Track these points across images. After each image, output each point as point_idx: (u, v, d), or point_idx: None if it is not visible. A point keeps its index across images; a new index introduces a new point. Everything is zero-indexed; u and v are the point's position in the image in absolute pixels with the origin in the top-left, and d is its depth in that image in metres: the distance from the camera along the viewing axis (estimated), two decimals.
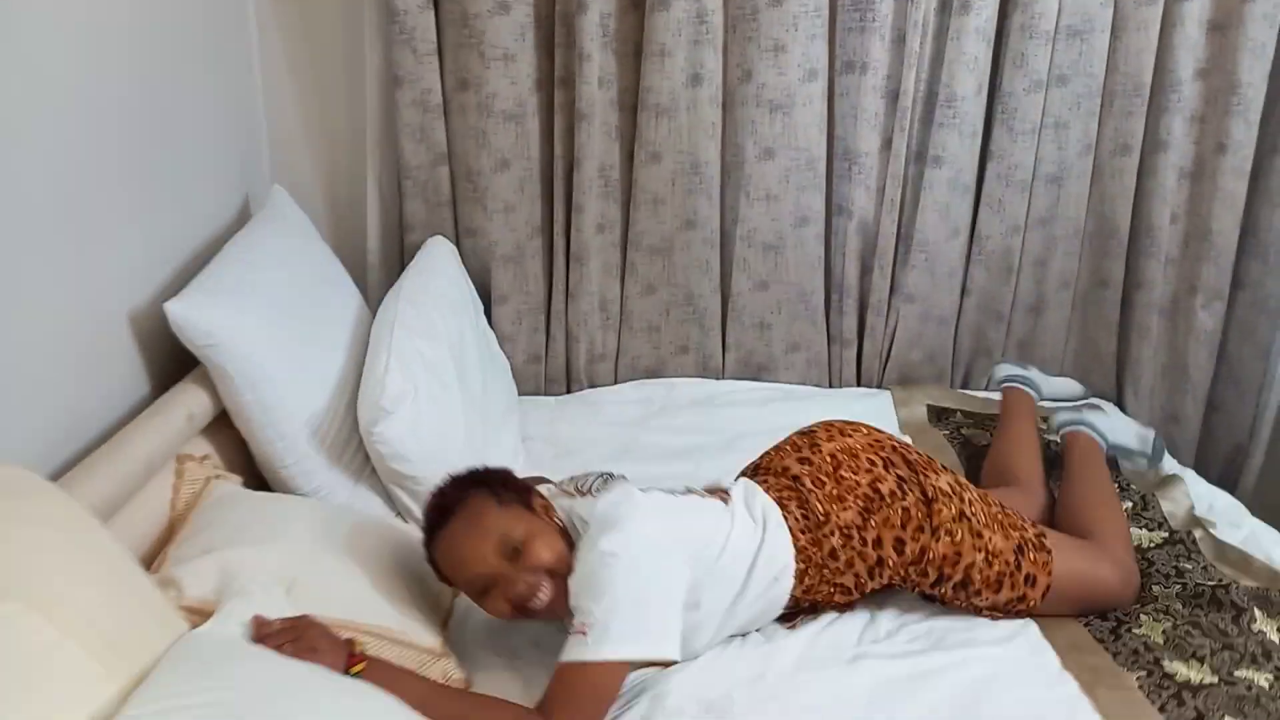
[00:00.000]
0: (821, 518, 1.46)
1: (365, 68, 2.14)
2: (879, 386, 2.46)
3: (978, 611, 1.52)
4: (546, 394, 2.40)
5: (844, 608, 1.52)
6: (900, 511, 1.48)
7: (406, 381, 1.66)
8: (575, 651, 1.23)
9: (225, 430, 1.62)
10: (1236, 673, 1.40)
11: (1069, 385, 2.30)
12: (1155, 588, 1.61)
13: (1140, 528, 1.79)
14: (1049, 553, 1.53)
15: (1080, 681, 1.39)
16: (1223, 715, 1.32)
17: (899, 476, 1.52)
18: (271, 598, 1.18)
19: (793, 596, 1.46)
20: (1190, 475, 2.02)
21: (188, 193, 1.79)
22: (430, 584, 1.46)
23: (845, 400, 2.34)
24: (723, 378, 2.44)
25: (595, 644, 1.22)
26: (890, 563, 1.48)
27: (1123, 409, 2.42)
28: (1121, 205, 2.30)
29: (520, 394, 2.32)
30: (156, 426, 1.42)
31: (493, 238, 2.25)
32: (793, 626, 1.49)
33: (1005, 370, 2.19)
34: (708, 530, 1.41)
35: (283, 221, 1.93)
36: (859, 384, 2.47)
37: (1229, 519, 1.86)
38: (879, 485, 1.50)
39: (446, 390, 1.80)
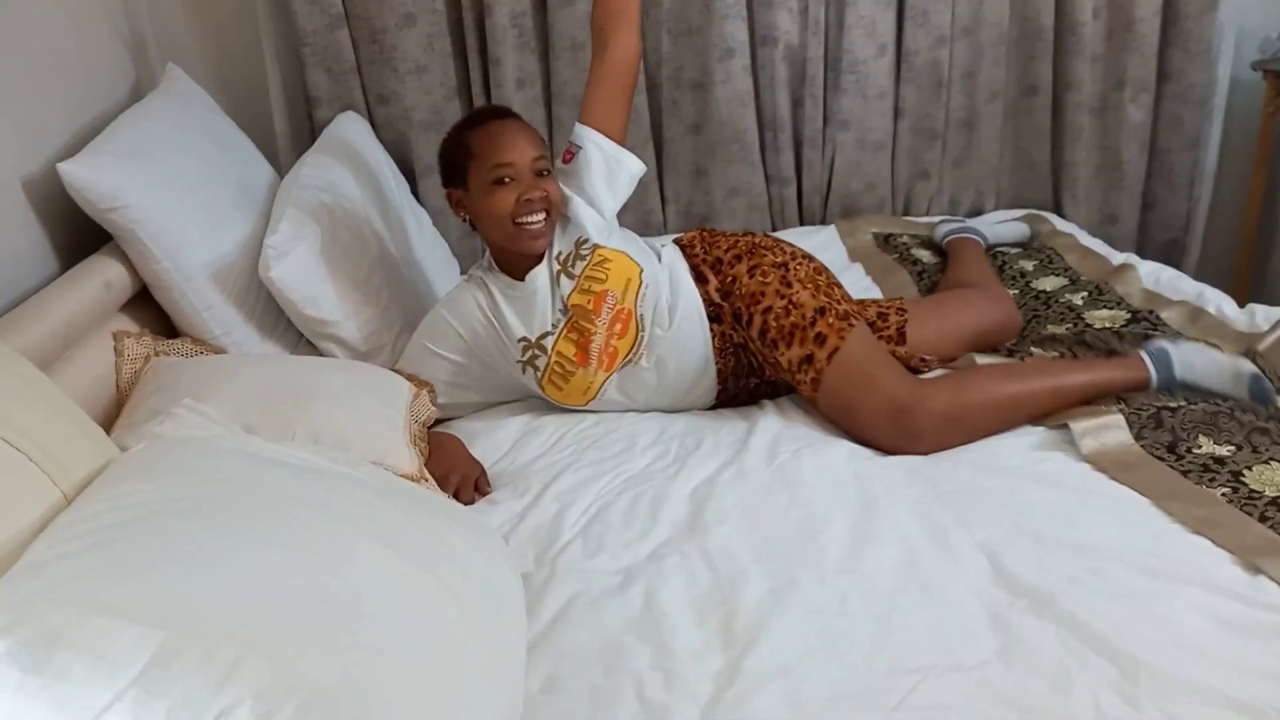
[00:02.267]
0: (691, 239, 1.71)
1: None
2: (823, 223, 2.43)
3: (785, 373, 1.53)
4: None
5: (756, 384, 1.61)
6: (732, 240, 1.67)
7: (300, 227, 1.57)
8: None
9: (152, 306, 1.52)
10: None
11: (1015, 228, 2.21)
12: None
13: (1101, 309, 1.80)
14: (850, 325, 1.51)
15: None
16: (1196, 434, 1.33)
17: (758, 236, 1.70)
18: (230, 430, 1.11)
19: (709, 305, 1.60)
20: (1134, 259, 2.04)
21: (70, 72, 1.66)
22: (395, 413, 1.40)
23: (790, 239, 2.29)
24: (665, 231, 2.39)
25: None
26: (713, 282, 1.61)
27: (1061, 215, 2.43)
28: (1044, 3, 2.27)
29: (461, 272, 2.24)
30: (72, 290, 1.33)
31: (407, 103, 2.14)
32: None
33: (945, 226, 2.15)
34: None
35: (180, 96, 1.80)
36: (801, 223, 2.44)
37: (1174, 288, 1.89)
38: (738, 234, 1.71)
39: (363, 243, 1.71)
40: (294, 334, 1.65)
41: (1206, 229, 2.52)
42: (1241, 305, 1.79)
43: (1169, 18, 2.33)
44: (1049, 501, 1.21)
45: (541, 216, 1.52)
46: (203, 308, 1.50)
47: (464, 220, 1.59)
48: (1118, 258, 2.06)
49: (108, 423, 1.31)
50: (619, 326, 1.55)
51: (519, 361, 1.57)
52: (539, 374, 1.57)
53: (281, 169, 2.10)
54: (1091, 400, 1.44)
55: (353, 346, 1.61)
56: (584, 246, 1.57)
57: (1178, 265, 2.49)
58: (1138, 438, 1.34)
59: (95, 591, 0.63)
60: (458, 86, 2.17)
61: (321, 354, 1.62)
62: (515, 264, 1.59)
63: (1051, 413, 1.43)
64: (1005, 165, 2.47)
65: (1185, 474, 1.26)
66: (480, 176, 1.51)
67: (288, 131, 2.15)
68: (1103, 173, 2.46)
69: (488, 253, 1.64)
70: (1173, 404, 1.38)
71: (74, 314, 1.30)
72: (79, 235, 1.51)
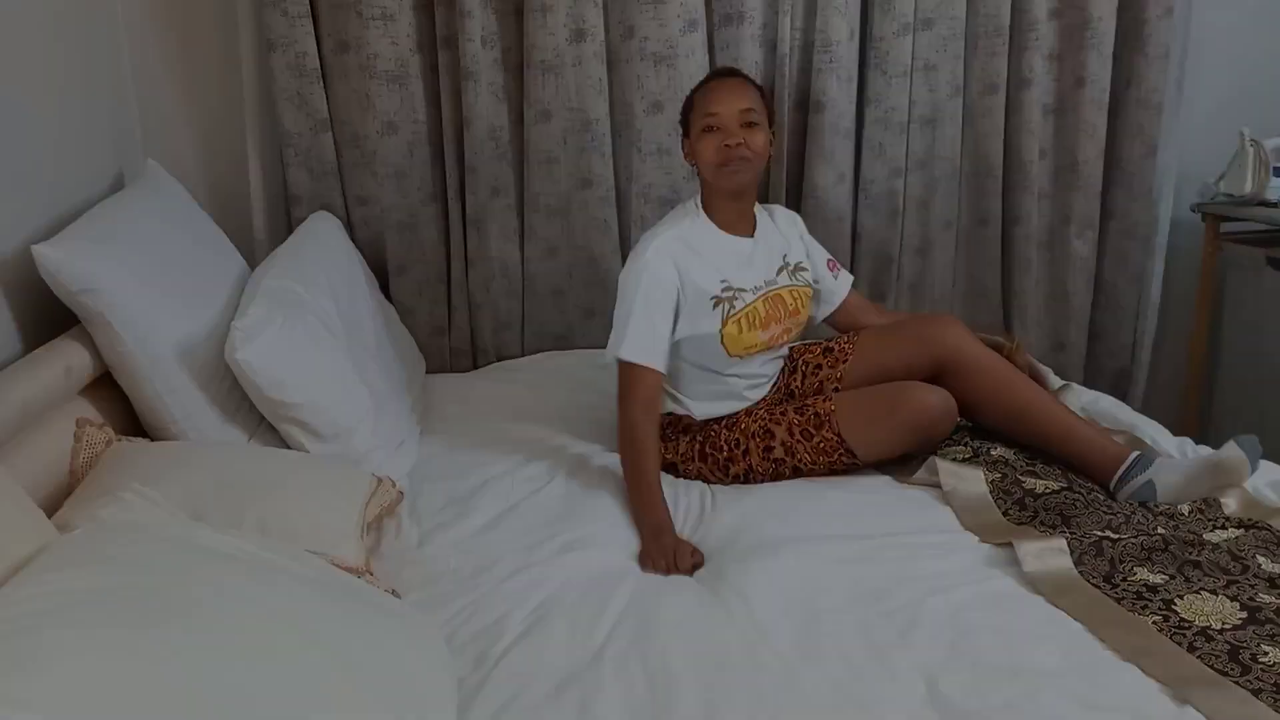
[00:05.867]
0: None
1: (239, 34, 2.08)
2: None
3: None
4: (453, 369, 2.36)
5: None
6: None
7: (270, 312, 1.59)
8: None
9: (108, 392, 1.53)
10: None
11: None
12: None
13: None
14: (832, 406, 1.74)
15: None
16: (1131, 565, 1.36)
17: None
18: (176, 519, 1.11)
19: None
20: (1076, 388, 2.10)
21: (56, 161, 1.71)
22: (350, 506, 1.40)
23: None
24: None
25: None
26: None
27: None
28: (994, 143, 2.41)
29: (428, 371, 2.27)
30: (32, 372, 1.33)
31: (385, 205, 2.20)
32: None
33: None
34: None
35: (157, 190, 1.85)
36: None
37: (1112, 418, 1.94)
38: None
39: (331, 332, 1.73)
40: (255, 419, 1.65)
41: (1154, 361, 2.62)
42: (1195, 439, 1.84)
43: (1111, 161, 2.48)
44: (990, 624, 1.23)
45: (746, 156, 1.70)
46: (165, 392, 1.50)
47: (691, 164, 1.82)
48: (1058, 382, 2.13)
49: (56, 506, 1.30)
50: (787, 334, 1.85)
51: (713, 297, 1.73)
52: (731, 312, 1.74)
53: (255, 263, 2.14)
54: (1061, 450, 1.69)
55: (315, 430, 1.60)
56: (805, 273, 1.89)
57: (1124, 394, 2.59)
58: (1078, 564, 1.37)
59: (3, 682, 0.63)
60: (434, 191, 2.25)
61: (283, 438, 1.62)
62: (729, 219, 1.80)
63: (1044, 429, 1.71)
64: (959, 291, 2.57)
65: (1119, 600, 1.29)
66: (697, 126, 1.73)
67: (265, 226, 2.21)
68: (1051, 302, 2.56)
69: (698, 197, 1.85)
70: (1114, 535, 1.41)
71: (32, 396, 1.31)
72: (46, 319, 1.52)
